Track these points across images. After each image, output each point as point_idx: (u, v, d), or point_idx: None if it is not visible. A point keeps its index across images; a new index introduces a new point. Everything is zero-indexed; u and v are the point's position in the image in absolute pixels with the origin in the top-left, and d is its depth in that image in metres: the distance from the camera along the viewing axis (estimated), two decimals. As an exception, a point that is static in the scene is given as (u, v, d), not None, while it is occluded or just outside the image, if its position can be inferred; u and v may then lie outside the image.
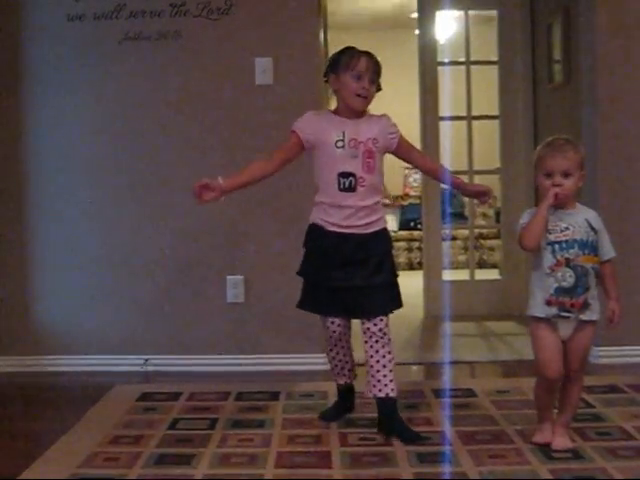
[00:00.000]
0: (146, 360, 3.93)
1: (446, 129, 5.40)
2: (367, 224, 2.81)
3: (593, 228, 2.55)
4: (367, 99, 2.81)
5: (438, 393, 3.35)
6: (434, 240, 5.42)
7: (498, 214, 6.40)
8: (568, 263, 2.50)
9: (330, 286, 2.82)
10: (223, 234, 3.91)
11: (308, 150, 2.85)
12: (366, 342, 2.83)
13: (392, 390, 2.81)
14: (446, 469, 2.49)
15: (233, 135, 3.89)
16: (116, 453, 2.69)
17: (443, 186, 2.89)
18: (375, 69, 2.83)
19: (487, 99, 5.40)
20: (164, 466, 2.57)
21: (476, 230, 6.72)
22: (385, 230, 2.89)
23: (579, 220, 2.54)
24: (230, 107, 3.89)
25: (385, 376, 2.81)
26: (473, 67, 5.35)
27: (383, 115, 2.89)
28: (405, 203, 8.54)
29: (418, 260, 7.74)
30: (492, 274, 6.14)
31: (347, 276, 2.78)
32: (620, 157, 3.84)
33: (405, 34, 7.61)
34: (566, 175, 2.51)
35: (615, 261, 2.61)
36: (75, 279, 3.95)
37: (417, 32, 5.47)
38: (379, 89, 2.87)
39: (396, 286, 2.89)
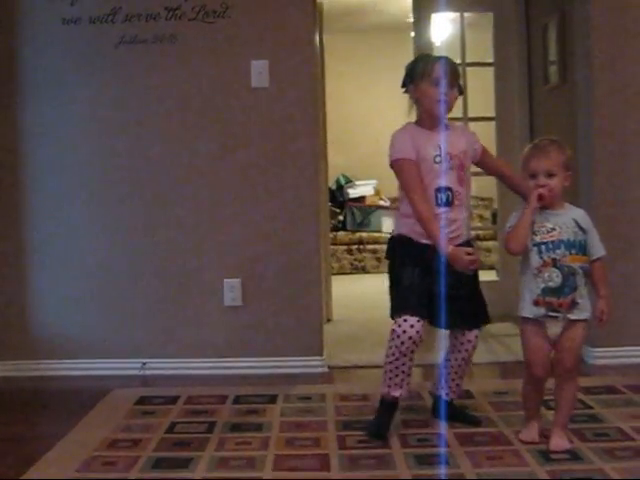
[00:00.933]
0: (144, 364, 3.92)
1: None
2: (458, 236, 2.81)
3: (581, 227, 2.57)
4: (448, 104, 2.79)
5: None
6: (431, 242, 5.40)
7: (494, 215, 6.39)
8: (555, 263, 2.52)
9: (436, 292, 2.78)
10: (220, 237, 3.90)
11: None
12: (459, 351, 2.96)
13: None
14: (444, 471, 2.49)
15: (229, 137, 3.89)
16: (114, 457, 2.69)
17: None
18: (453, 73, 2.80)
19: (483, 101, 5.40)
20: (162, 470, 2.57)
21: (473, 232, 6.71)
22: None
23: (566, 220, 2.56)
24: (226, 110, 3.89)
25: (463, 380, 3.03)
26: (469, 69, 5.35)
27: (464, 125, 2.91)
28: (402, 205, 8.53)
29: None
30: (489, 275, 6.13)
31: (455, 284, 2.76)
32: (616, 157, 3.85)
33: (401, 37, 7.61)
34: (550, 175, 2.54)
35: (610, 260, 2.63)
36: (73, 283, 3.95)
37: (412, 35, 5.47)
38: (461, 92, 2.87)
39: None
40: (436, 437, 2.81)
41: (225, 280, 3.91)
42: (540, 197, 2.53)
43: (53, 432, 2.97)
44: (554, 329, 2.57)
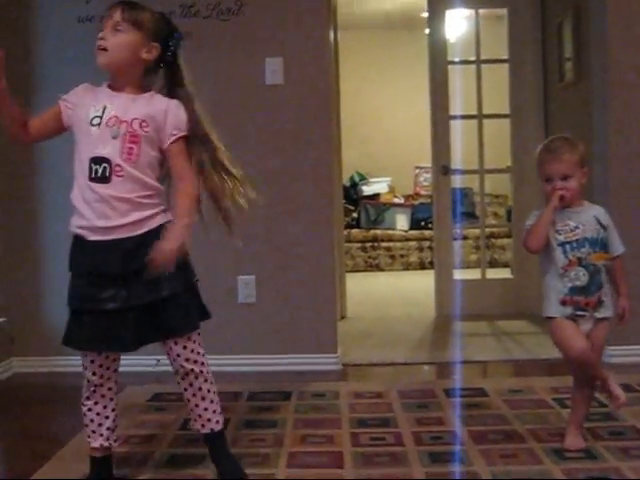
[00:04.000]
0: (158, 361, 3.92)
1: (457, 128, 5.40)
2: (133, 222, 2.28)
3: (602, 225, 2.54)
4: (108, 52, 2.27)
5: (449, 393, 3.35)
6: (445, 239, 5.41)
7: (509, 213, 6.38)
8: (580, 262, 2.50)
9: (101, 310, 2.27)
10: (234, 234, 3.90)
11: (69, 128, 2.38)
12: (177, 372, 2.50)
13: (217, 422, 2.46)
14: (458, 469, 2.49)
15: (243, 134, 3.89)
16: (128, 453, 2.70)
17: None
18: (119, 14, 2.28)
19: (498, 97, 5.38)
20: (176, 466, 2.58)
21: (487, 229, 6.70)
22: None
23: (588, 218, 2.54)
24: (241, 107, 3.89)
25: (206, 409, 2.46)
26: (483, 66, 5.34)
27: (172, 100, 2.37)
28: (416, 202, 8.53)
29: (429, 259, 7.72)
30: (503, 273, 6.13)
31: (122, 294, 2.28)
32: (631, 155, 3.82)
33: (415, 33, 7.60)
34: (565, 178, 2.51)
35: (625, 258, 2.60)
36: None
37: (427, 31, 5.46)
38: (169, 53, 2.38)
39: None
40: (450, 435, 2.81)
41: (239, 277, 3.92)
42: (561, 198, 2.51)
43: (67, 428, 2.98)
44: (584, 326, 2.53)
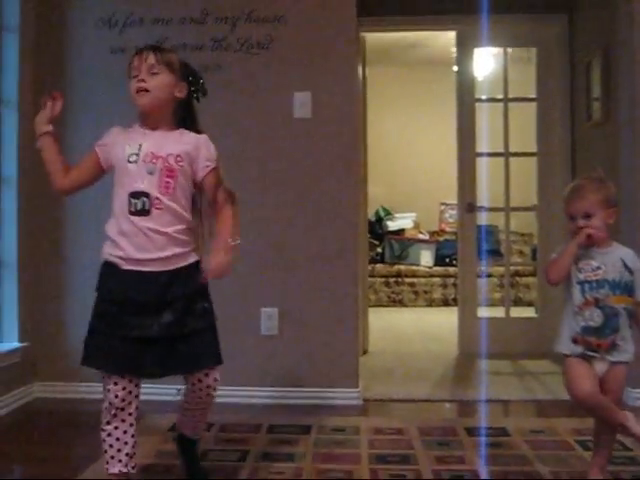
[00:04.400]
0: (179, 390, 3.92)
1: (483, 165, 5.40)
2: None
3: (628, 268, 2.51)
4: (150, 92, 2.40)
5: (471, 431, 3.32)
6: (469, 276, 5.39)
7: (534, 251, 6.34)
8: (597, 303, 2.47)
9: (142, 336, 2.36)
10: (257, 266, 3.92)
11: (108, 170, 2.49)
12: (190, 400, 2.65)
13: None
14: (478, 509, 2.46)
15: (270, 167, 3.93)
16: (146, 482, 2.70)
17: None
18: (153, 58, 2.43)
19: (525, 136, 5.39)
20: (194, 497, 2.57)
21: (512, 267, 6.66)
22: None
23: (613, 259, 2.51)
24: (268, 139, 3.93)
25: (202, 422, 2.76)
26: (511, 104, 5.35)
27: (202, 137, 2.52)
28: (441, 239, 8.51)
29: (453, 296, 7.69)
30: (528, 312, 6.08)
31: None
32: (659, 196, 3.80)
33: (443, 70, 7.64)
34: (587, 216, 2.50)
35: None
36: (111, 307, 3.98)
37: (455, 69, 5.49)
38: (201, 92, 2.61)
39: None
40: (471, 474, 2.78)
41: (262, 309, 3.92)
42: (589, 237, 2.49)
43: (86, 455, 2.98)
44: (599, 366, 2.51)
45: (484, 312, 5.39)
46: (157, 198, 2.35)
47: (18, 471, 2.98)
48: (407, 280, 8.10)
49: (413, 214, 8.70)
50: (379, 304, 7.84)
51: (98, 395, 3.94)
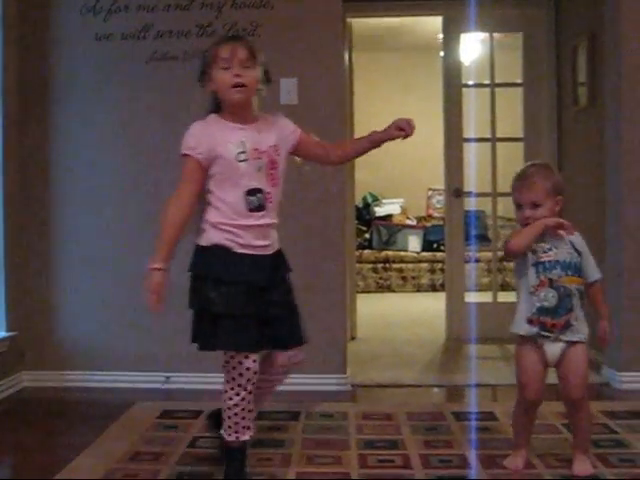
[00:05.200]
0: (167, 378, 3.94)
1: (470, 150, 5.40)
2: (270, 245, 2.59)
3: (577, 250, 2.56)
4: (247, 87, 2.47)
5: (459, 416, 3.33)
6: (457, 262, 5.41)
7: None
8: (551, 284, 2.52)
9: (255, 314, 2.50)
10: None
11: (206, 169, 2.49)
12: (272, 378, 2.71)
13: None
14: (466, 493, 2.48)
15: (257, 155, 3.92)
16: (136, 470, 2.70)
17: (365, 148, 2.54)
18: (246, 51, 2.46)
19: (511, 121, 5.39)
20: (183, 484, 2.58)
21: (499, 252, 6.67)
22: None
23: (563, 241, 2.56)
24: (255, 127, 3.92)
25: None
26: (497, 89, 5.35)
27: (279, 114, 2.65)
28: (428, 224, 8.53)
29: (441, 282, 7.71)
30: (515, 297, 6.09)
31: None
32: (645, 180, 3.82)
33: (430, 56, 7.63)
34: (535, 206, 2.53)
35: (634, 283, 2.61)
36: (99, 296, 3.98)
37: (442, 54, 5.49)
38: (269, 79, 2.58)
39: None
40: (459, 458, 2.79)
41: (250, 296, 3.92)
42: (560, 226, 2.53)
43: (76, 443, 2.99)
44: (552, 349, 2.55)
45: (472, 297, 5.41)
46: (268, 192, 2.50)
47: (6, 460, 2.98)
48: (395, 266, 8.11)
49: (400, 200, 8.70)
50: (367, 290, 7.84)
51: (86, 384, 3.97)
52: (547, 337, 2.53)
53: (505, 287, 6.94)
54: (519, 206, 2.60)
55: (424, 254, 8.20)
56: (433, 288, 7.98)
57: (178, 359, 3.93)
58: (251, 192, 2.46)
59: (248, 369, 2.47)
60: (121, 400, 3.62)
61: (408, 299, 7.57)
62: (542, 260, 2.53)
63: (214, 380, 3.87)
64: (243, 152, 2.45)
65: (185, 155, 2.47)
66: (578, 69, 4.59)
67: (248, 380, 2.48)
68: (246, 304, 2.46)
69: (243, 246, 2.48)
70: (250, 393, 2.50)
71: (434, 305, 6.37)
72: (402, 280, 8.08)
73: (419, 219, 8.66)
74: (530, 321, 2.54)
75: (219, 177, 2.47)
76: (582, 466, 2.59)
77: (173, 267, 2.50)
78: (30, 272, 4.00)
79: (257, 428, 3.16)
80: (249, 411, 2.52)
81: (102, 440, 3.05)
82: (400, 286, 8.05)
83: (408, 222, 8.51)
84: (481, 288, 6.31)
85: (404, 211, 8.67)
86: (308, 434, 3.11)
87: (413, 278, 8.11)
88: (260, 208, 2.48)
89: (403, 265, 8.10)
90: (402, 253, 8.18)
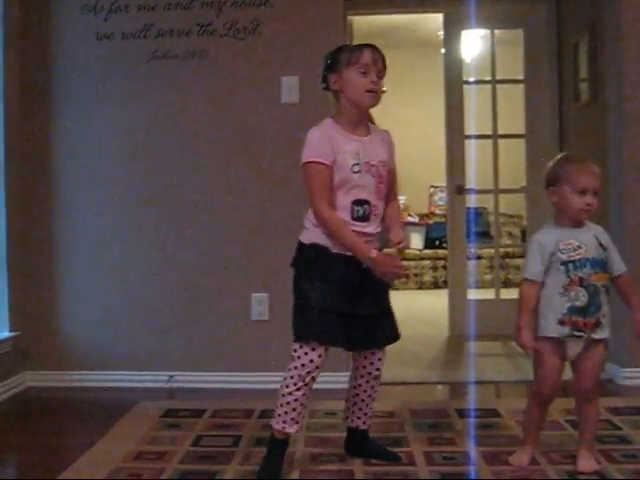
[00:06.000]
0: (171, 377, 3.94)
1: (472, 147, 5.40)
2: None
3: (602, 245, 2.53)
4: (377, 95, 2.57)
5: (462, 413, 3.33)
6: (459, 259, 5.41)
7: (524, 233, 6.37)
8: (581, 282, 2.48)
9: (342, 313, 2.56)
10: (248, 251, 3.92)
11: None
12: (370, 372, 2.80)
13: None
14: (470, 490, 2.48)
15: (259, 152, 3.92)
16: (140, 469, 2.70)
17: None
18: (383, 62, 2.59)
19: (513, 118, 5.39)
20: (187, 483, 2.58)
21: (501, 249, 6.68)
22: None
23: (589, 237, 2.53)
24: (256, 125, 3.92)
25: (372, 409, 2.84)
26: (499, 86, 5.35)
27: (387, 133, 2.76)
28: (430, 222, 8.52)
29: (443, 279, 7.71)
30: (517, 293, 6.09)
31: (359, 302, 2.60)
32: (647, 176, 3.82)
33: (431, 53, 7.62)
34: (595, 194, 2.50)
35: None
36: (102, 297, 3.98)
37: (443, 51, 5.48)
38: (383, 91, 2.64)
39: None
40: (462, 455, 2.79)
41: (253, 294, 3.92)
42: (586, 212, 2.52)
43: (80, 443, 2.99)
44: (575, 349, 2.54)
45: (474, 294, 5.41)
46: (374, 205, 2.57)
47: (10, 460, 2.98)
48: (397, 263, 8.10)
49: (402, 197, 8.69)
50: (370, 287, 7.83)
51: (90, 383, 3.97)
52: (580, 337, 2.50)
53: (507, 284, 6.94)
54: (583, 192, 2.49)
55: (426, 251, 8.21)
56: (435, 285, 7.98)
57: (181, 358, 3.94)
58: (358, 202, 2.55)
59: (312, 361, 2.53)
60: (124, 399, 3.62)
61: (410, 296, 7.56)
62: (572, 259, 2.49)
63: (215, 379, 3.91)
64: (357, 164, 2.53)
65: (315, 163, 2.52)
66: (579, 65, 4.58)
67: (308, 373, 2.53)
68: (336, 301, 2.53)
69: (338, 246, 2.54)
70: (307, 387, 2.55)
71: (437, 302, 6.37)
72: (404, 277, 8.08)
73: (421, 216, 8.65)
74: (562, 322, 2.50)
75: (335, 184, 2.54)
76: (586, 462, 2.58)
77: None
78: (33, 273, 4.00)
79: (260, 426, 3.18)
80: (301, 404, 2.56)
81: (106, 439, 3.05)
82: (402, 283, 8.04)
83: (410, 219, 8.51)
84: (483, 285, 6.32)
85: (406, 208, 8.66)
86: (312, 432, 3.11)
87: (415, 275, 8.11)
88: (364, 219, 2.56)
89: (405, 262, 8.09)
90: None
